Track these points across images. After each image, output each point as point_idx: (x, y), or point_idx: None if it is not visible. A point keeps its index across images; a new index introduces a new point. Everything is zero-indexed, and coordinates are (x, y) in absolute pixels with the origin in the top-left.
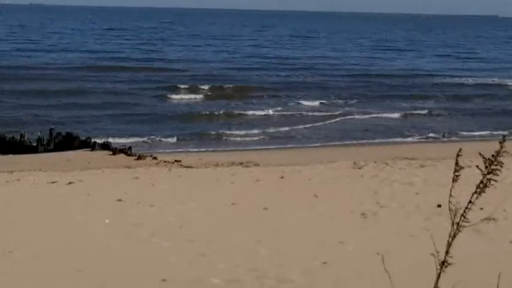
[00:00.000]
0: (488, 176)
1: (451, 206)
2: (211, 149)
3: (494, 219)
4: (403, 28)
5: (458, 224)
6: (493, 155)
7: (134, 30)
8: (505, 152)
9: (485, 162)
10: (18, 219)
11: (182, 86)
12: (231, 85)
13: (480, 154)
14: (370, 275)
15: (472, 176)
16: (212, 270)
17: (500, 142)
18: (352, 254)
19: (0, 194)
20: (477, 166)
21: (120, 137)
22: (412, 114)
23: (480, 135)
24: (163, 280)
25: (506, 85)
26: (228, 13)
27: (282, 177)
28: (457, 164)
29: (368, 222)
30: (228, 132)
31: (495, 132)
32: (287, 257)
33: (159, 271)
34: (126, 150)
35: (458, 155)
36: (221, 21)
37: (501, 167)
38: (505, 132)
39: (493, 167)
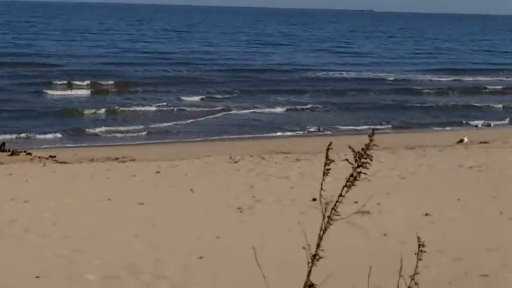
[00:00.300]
0: (358, 169)
1: (322, 199)
2: (87, 144)
3: (368, 212)
4: (278, 23)
5: (329, 217)
6: (362, 149)
7: (7, 24)
8: (375, 145)
9: (355, 156)
10: None
11: (59, 82)
12: (110, 81)
13: (350, 147)
14: (246, 269)
15: (347, 169)
16: (88, 266)
17: (369, 135)
18: (228, 249)
19: None
20: (347, 160)
21: None
22: (289, 108)
23: (357, 130)
24: (37, 277)
25: (382, 79)
26: (104, 6)
27: (158, 172)
28: (327, 157)
29: (244, 217)
30: (107, 128)
31: (372, 127)
32: (163, 252)
33: (33, 268)
34: None
35: (328, 149)
36: (96, 15)
37: (370, 160)
38: (382, 126)
39: (362, 160)
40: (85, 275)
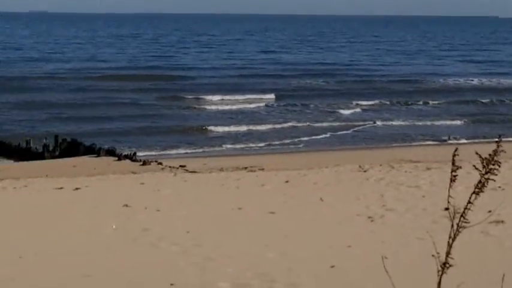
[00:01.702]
0: (486, 176)
1: (450, 206)
2: (216, 154)
3: (502, 221)
4: (407, 32)
5: (458, 225)
6: (490, 155)
7: (134, 37)
8: (503, 151)
9: (482, 162)
10: (27, 225)
11: (190, 96)
12: (247, 95)
13: (477, 153)
14: (377, 278)
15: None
16: (220, 275)
17: (497, 142)
18: (360, 258)
19: (7, 200)
20: (474, 166)
21: (126, 146)
22: (419, 118)
23: (490, 140)
24: (172, 284)
25: None
26: (225, 18)
27: (287, 181)
28: (453, 163)
29: (375, 226)
30: (238, 144)
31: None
32: (295, 261)
33: (167, 276)
34: (131, 156)
35: (454, 155)
36: (219, 26)
37: (499, 166)
38: None
39: (490, 166)
40: (218, 283)
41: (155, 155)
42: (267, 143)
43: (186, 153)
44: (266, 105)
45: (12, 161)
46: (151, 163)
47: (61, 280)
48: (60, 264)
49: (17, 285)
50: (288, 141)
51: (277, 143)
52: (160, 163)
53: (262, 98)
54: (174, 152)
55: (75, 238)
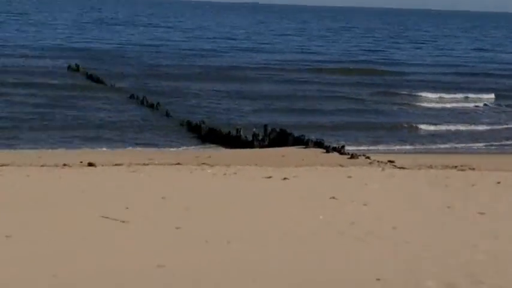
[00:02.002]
0: None
1: None
2: (426, 151)
3: None
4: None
5: None
6: None
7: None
8: None
9: None
10: (236, 212)
11: (403, 92)
12: (458, 94)
13: None
14: None
15: None
16: (427, 273)
17: None
18: None
19: (217, 186)
20: None
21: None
22: None
23: None
24: (378, 279)
25: None
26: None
27: (499, 183)
28: None
29: None
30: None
31: None
32: (505, 263)
33: (374, 270)
34: (339, 149)
35: None
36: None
37: None
38: None
39: None
40: (425, 282)
41: (363, 150)
42: (480, 144)
43: (395, 149)
44: (484, 105)
45: (223, 148)
46: (359, 157)
47: (260, 265)
48: (265, 251)
49: (204, 271)
50: (505, 142)
51: (492, 143)
52: (368, 157)
53: (479, 98)
54: (382, 147)
55: (283, 227)
